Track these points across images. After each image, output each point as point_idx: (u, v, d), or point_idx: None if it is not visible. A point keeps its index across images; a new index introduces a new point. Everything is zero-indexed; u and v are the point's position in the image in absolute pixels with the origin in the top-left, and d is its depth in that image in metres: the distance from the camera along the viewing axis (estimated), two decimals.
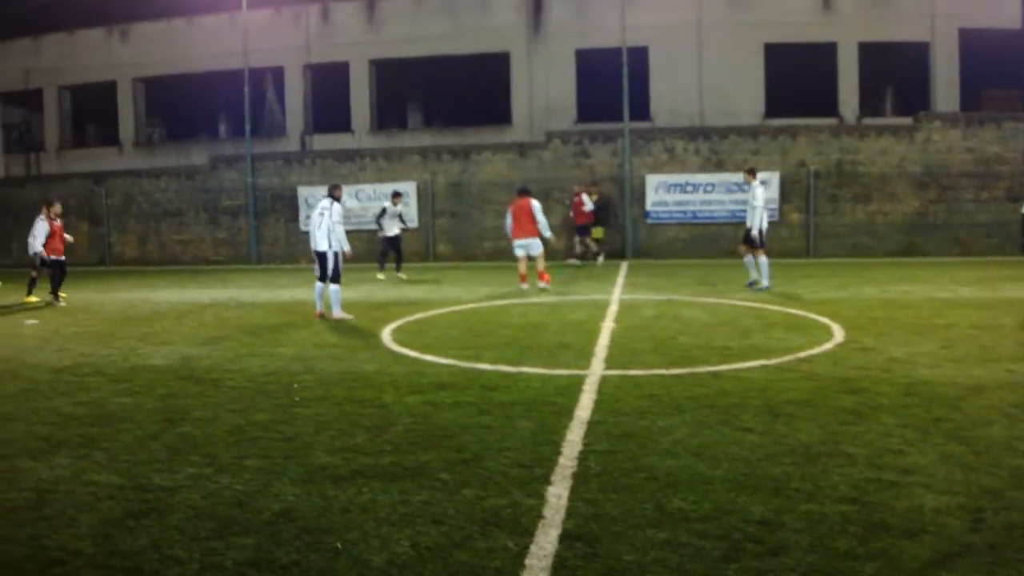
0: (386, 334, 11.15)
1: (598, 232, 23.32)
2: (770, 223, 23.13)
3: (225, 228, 26.59)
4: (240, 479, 5.36)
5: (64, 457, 6.00)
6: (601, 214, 23.33)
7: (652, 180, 23.93)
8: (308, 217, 17.89)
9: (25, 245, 16.68)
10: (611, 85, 24.28)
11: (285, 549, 4.28)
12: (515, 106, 26.74)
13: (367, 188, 24.97)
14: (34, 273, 16.72)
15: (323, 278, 12.67)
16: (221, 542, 4.40)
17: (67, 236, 16.93)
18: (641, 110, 25.19)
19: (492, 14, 26.70)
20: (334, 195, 12.72)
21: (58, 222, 16.38)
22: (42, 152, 30.82)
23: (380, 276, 19.31)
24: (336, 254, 12.49)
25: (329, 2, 27.80)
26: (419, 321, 12.49)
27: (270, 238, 26.05)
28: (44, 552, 4.37)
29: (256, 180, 25.95)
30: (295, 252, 24.65)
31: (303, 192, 25.41)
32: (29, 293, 16.60)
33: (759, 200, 15.37)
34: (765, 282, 15.40)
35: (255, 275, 21.91)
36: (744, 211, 17.08)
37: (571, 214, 22.97)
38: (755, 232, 15.34)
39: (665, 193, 23.82)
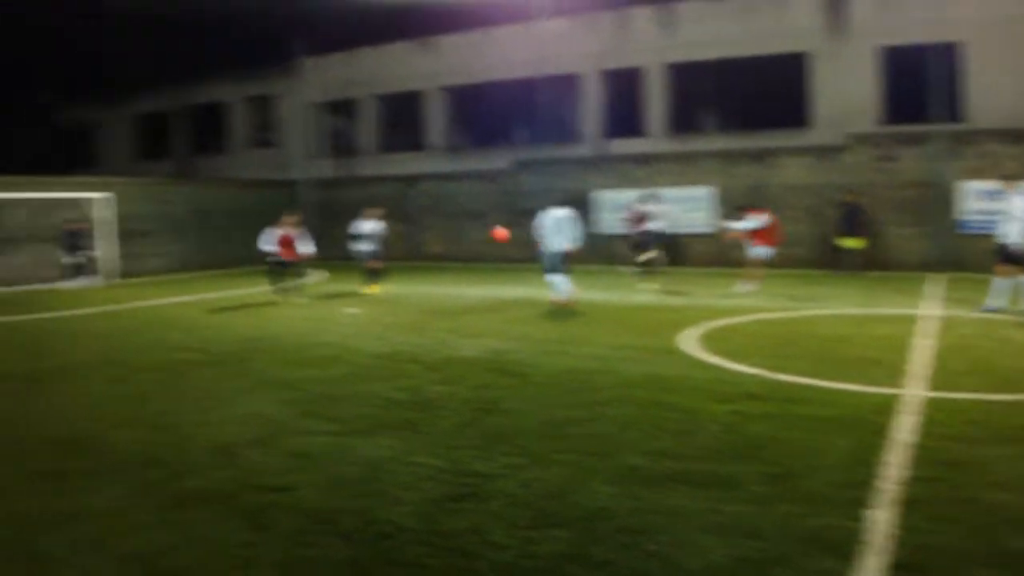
0: (685, 338, 11.00)
1: (855, 242, 21.73)
2: None
3: (525, 229, 27.47)
4: (553, 472, 5.48)
5: (388, 438, 6.43)
6: (852, 223, 21.73)
7: (967, 187, 22.03)
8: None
9: (344, 240, 18.12)
10: (919, 84, 22.60)
11: (600, 546, 4.32)
12: (814, 108, 25.55)
13: (663, 192, 24.88)
14: (377, 265, 18.45)
15: (555, 270, 14.60)
16: (537, 532, 4.51)
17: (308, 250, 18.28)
18: (954, 110, 23.26)
19: (789, 14, 25.66)
20: (567, 208, 14.66)
21: (291, 231, 17.47)
22: (357, 156, 33.37)
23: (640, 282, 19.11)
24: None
25: (624, 8, 28.00)
26: (721, 328, 12.19)
27: None
28: (373, 525, 4.70)
29: (554, 183, 26.64)
30: (591, 254, 24.99)
31: (600, 196, 25.78)
32: (371, 284, 18.31)
33: (1021, 211, 13.32)
34: (999, 302, 13.31)
35: None
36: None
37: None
38: (1021, 246, 13.16)
39: (982, 201, 21.86)
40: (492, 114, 30.98)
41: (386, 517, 4.79)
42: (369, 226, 18.45)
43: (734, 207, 20.02)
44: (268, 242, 17.38)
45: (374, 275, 18.37)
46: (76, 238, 22.64)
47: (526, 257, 27.05)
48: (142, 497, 5.34)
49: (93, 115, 41.11)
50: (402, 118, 32.93)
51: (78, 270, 22.50)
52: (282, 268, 17.40)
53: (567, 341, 10.96)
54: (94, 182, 24.90)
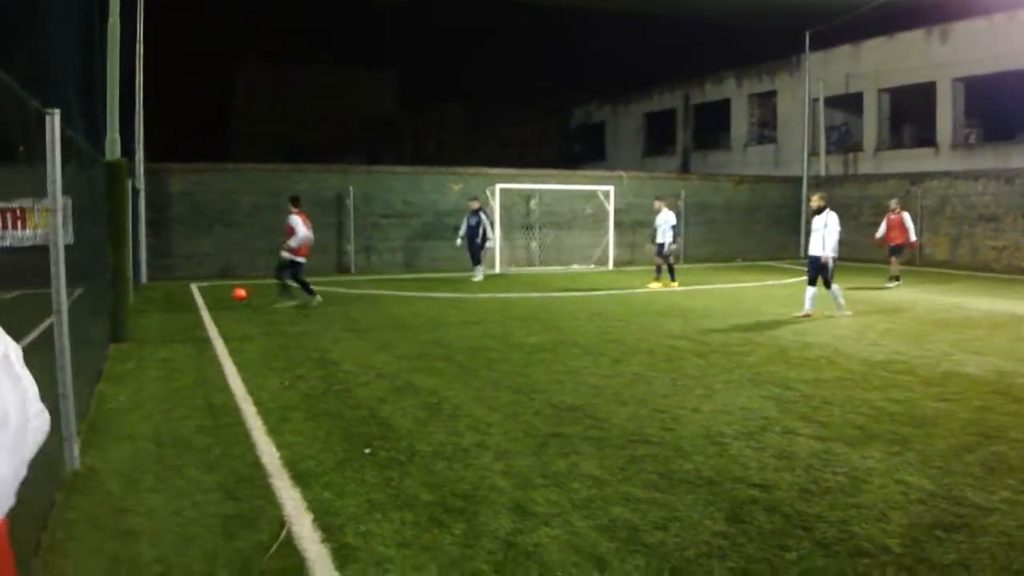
0: None
1: None
2: None
3: None
4: None
5: (877, 451, 6.20)
6: None
7: None
8: None
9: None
10: None
11: None
12: None
13: None
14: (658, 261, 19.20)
15: None
16: None
17: None
18: None
19: None
20: None
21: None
22: (859, 152, 31.98)
23: None
24: None
25: None
26: None
27: None
28: (853, 539, 4.58)
29: None
30: None
31: None
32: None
33: None
34: None
35: None
36: None
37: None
38: None
39: None
40: (1013, 106, 27.93)
41: (867, 533, 4.65)
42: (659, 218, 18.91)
43: None
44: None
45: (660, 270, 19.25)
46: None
47: None
48: (633, 471, 5.76)
49: (604, 114, 44.54)
50: (909, 112, 31.01)
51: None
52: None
53: None
54: (604, 176, 27.03)
